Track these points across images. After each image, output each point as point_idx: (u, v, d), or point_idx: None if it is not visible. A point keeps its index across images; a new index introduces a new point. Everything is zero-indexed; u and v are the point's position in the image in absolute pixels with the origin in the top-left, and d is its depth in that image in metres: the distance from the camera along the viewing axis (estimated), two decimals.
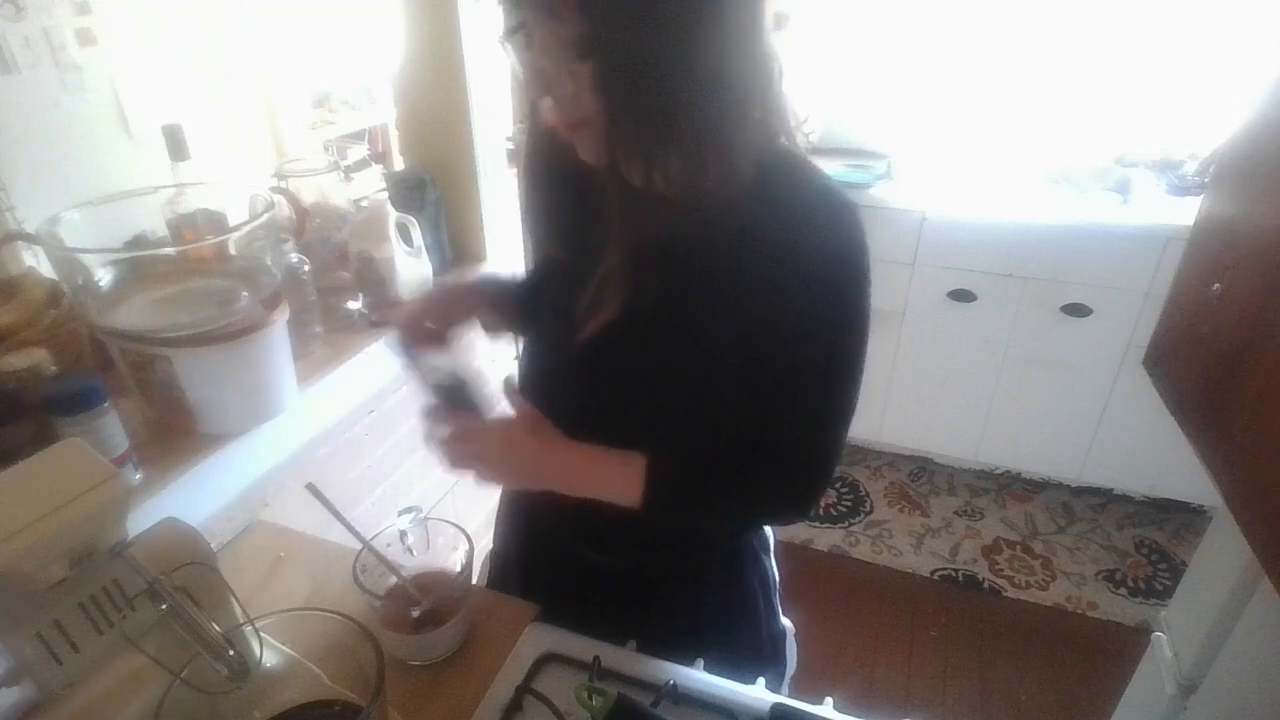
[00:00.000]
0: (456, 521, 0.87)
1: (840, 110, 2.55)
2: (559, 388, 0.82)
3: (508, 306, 0.95)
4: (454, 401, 0.80)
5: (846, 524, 2.41)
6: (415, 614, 0.80)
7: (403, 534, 0.85)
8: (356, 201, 1.57)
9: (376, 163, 2.69)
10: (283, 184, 1.41)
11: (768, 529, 0.97)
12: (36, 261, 1.26)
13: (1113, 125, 2.37)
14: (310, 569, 1.00)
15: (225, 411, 1.09)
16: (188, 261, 1.08)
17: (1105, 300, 2.10)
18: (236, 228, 1.07)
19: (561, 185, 0.78)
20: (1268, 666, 0.83)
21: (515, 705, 0.76)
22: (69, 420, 0.89)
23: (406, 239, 1.50)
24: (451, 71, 1.57)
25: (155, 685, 0.60)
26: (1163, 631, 1.02)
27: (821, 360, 0.71)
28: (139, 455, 1.00)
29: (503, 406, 0.80)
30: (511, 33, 0.62)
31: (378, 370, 1.43)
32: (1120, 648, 1.94)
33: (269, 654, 0.63)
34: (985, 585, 2.18)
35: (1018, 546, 2.31)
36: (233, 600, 0.67)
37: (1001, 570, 2.23)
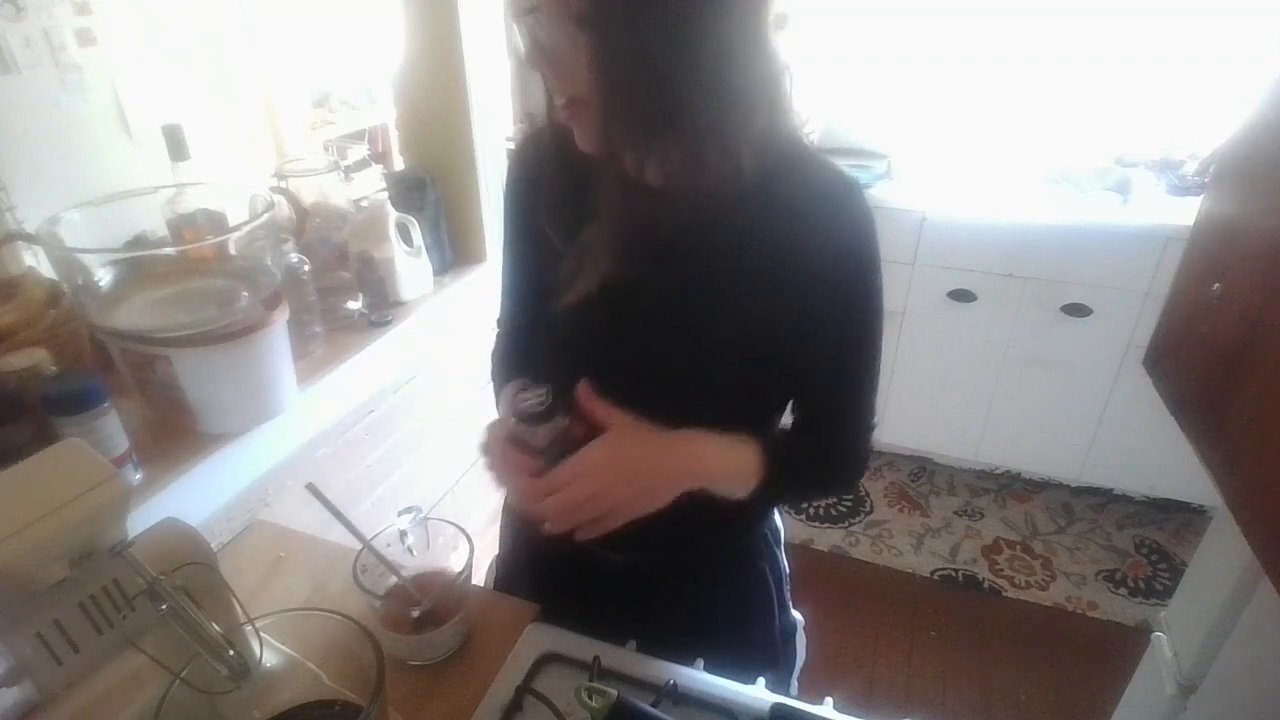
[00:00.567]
0: (456, 521, 0.87)
1: (840, 110, 2.56)
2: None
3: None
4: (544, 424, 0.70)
5: (846, 524, 2.41)
6: (415, 614, 0.80)
7: (403, 534, 0.85)
8: (356, 201, 1.57)
9: (376, 163, 2.69)
10: (283, 184, 1.41)
11: (779, 522, 0.97)
12: (36, 261, 1.26)
13: (1113, 125, 2.37)
14: (310, 569, 1.00)
15: (225, 411, 1.09)
16: (188, 261, 1.07)
17: (1105, 300, 2.10)
18: (236, 228, 1.07)
19: (562, 178, 0.77)
20: (1268, 666, 0.83)
21: (515, 705, 0.76)
22: (69, 420, 0.89)
23: (406, 239, 1.50)
24: (451, 71, 1.57)
25: (155, 685, 0.60)
26: (1163, 631, 1.02)
27: (861, 334, 0.73)
28: (139, 455, 1.00)
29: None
30: (526, 13, 0.61)
31: (378, 370, 1.43)
32: (1120, 648, 1.94)
33: (269, 654, 0.63)
34: (985, 585, 2.18)
35: (1018, 546, 2.31)
36: (233, 600, 0.67)
37: (1001, 570, 2.23)
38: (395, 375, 1.49)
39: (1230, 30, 2.13)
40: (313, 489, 0.81)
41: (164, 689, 0.57)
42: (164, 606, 0.58)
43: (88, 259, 1.00)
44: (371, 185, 1.80)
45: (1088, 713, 1.79)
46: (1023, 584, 2.18)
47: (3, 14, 1.55)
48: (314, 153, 2.74)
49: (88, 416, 0.90)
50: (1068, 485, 2.51)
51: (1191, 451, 0.72)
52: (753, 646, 0.92)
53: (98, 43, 1.74)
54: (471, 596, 0.87)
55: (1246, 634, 0.87)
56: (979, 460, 2.52)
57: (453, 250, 1.70)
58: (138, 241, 1.14)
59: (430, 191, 1.61)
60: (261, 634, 0.62)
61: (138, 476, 1.00)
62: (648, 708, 0.69)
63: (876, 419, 0.80)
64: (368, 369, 1.39)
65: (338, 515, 0.80)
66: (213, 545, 0.76)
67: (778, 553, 0.96)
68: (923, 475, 2.60)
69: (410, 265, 1.51)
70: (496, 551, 1.07)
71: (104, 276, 1.02)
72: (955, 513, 2.44)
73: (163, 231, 1.15)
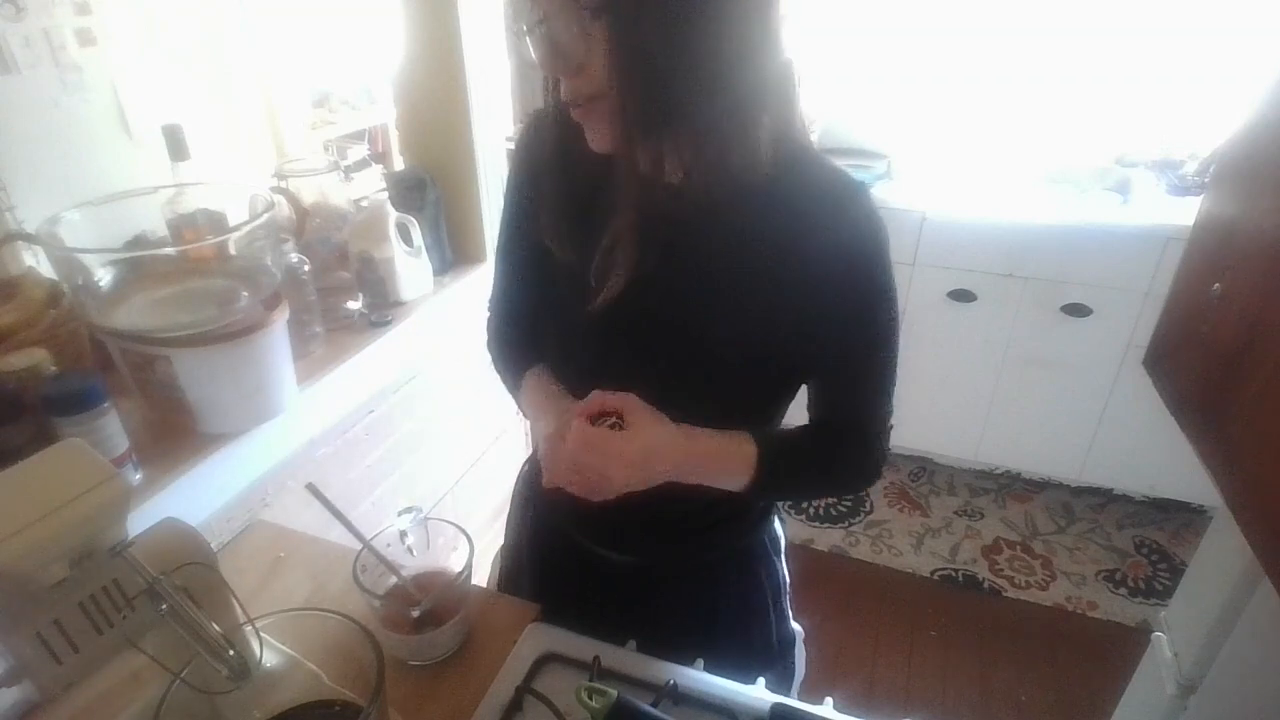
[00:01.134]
0: (456, 521, 0.87)
1: (840, 110, 2.56)
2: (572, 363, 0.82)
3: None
4: None
5: (846, 524, 2.41)
6: (415, 614, 0.80)
7: (403, 534, 0.85)
8: (356, 201, 1.57)
9: (376, 163, 2.69)
10: (283, 184, 1.41)
11: (779, 529, 0.97)
12: (36, 261, 1.26)
13: (1113, 125, 2.37)
14: (310, 569, 1.00)
15: (225, 411, 1.09)
16: (188, 261, 1.07)
17: (1105, 300, 2.10)
18: (236, 228, 1.07)
19: (570, 175, 0.76)
20: (1268, 666, 0.83)
21: (515, 705, 0.76)
22: (69, 420, 0.89)
23: (406, 239, 1.50)
24: (451, 71, 1.57)
25: (155, 685, 0.60)
26: (1163, 631, 1.02)
27: (871, 335, 0.73)
28: (139, 455, 1.00)
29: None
30: (539, 23, 0.61)
31: (378, 370, 1.43)
32: (1120, 648, 1.94)
33: (269, 654, 0.63)
34: (985, 585, 2.18)
35: (1018, 546, 2.31)
36: (233, 600, 0.67)
37: (1001, 570, 2.23)
38: (395, 375, 1.49)
39: (1230, 31, 2.13)
40: (313, 489, 0.81)
41: (164, 689, 0.57)
42: (164, 606, 0.58)
43: (88, 259, 1.00)
44: (371, 185, 1.80)
45: (1088, 713, 1.79)
46: (1023, 584, 2.18)
47: (3, 14, 1.55)
48: (314, 153, 2.74)
49: (88, 416, 0.90)
50: (1068, 485, 2.51)
51: (1191, 451, 0.72)
52: (751, 649, 0.92)
53: (98, 43, 1.74)
54: (471, 596, 0.87)
55: (1246, 634, 0.87)
56: (979, 460, 2.52)
57: (453, 250, 1.70)
58: (138, 241, 1.14)
59: (430, 191, 1.61)
60: (261, 634, 0.62)
61: (138, 476, 1.00)
62: (648, 708, 0.69)
63: (893, 420, 0.79)
64: (368, 369, 1.39)
65: (338, 515, 0.80)
66: (213, 545, 0.76)
67: (777, 561, 0.96)
68: (923, 475, 2.60)
69: (410, 265, 1.51)
70: (501, 542, 1.07)
71: (104, 276, 1.01)
72: (955, 513, 2.44)
73: (163, 231, 1.15)
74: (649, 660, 0.81)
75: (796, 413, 0.82)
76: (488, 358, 0.95)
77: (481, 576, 1.05)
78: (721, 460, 0.74)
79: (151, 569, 0.59)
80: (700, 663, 0.82)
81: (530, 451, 0.99)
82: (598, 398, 0.70)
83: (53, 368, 0.97)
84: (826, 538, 2.35)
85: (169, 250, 1.12)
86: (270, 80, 2.43)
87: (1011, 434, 2.39)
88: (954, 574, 2.22)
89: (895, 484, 2.57)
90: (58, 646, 0.60)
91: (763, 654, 0.94)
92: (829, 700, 0.78)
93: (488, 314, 0.94)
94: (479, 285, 1.69)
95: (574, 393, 0.80)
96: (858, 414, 0.78)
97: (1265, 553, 0.61)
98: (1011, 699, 1.85)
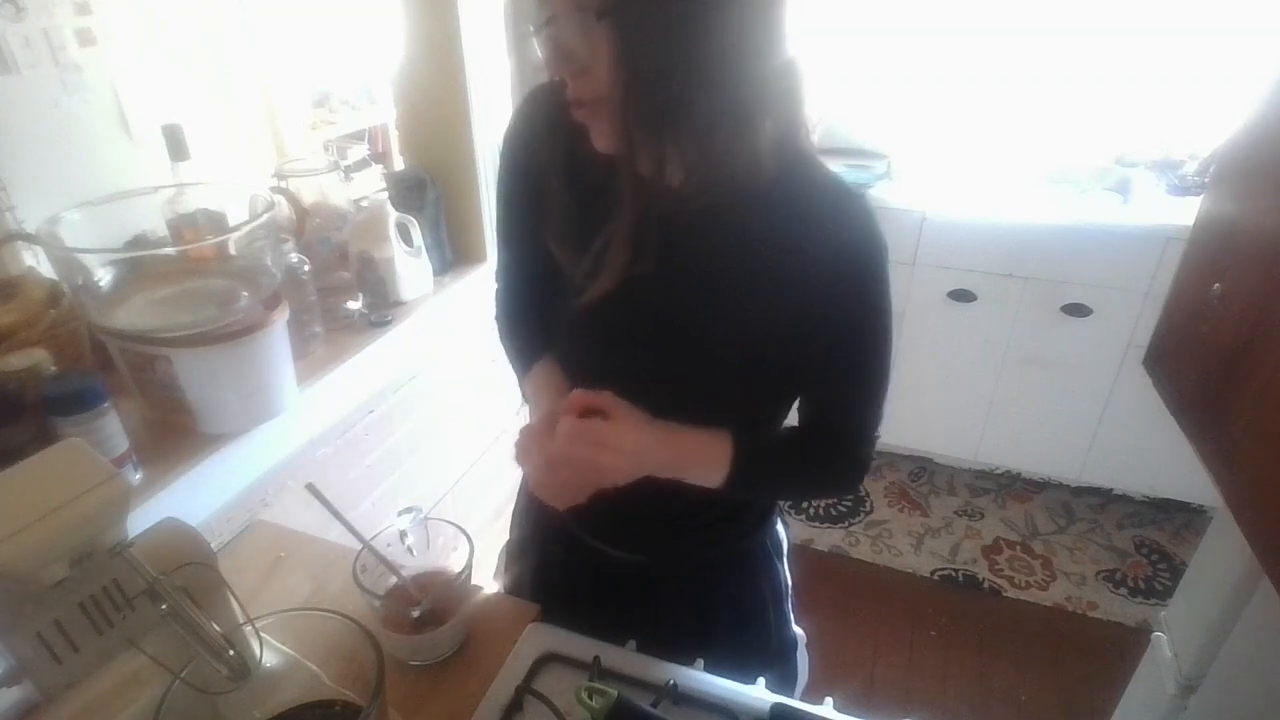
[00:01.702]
0: (456, 521, 0.87)
1: (840, 110, 2.55)
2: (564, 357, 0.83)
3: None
4: None
5: (846, 524, 2.41)
6: (415, 614, 0.80)
7: (403, 534, 0.85)
8: (356, 201, 1.57)
9: (376, 163, 2.69)
10: (283, 184, 1.41)
11: (782, 532, 0.97)
12: (36, 261, 1.26)
13: (1113, 125, 2.37)
14: (310, 569, 1.00)
15: (225, 411, 1.09)
16: (188, 261, 1.08)
17: (1105, 300, 2.10)
18: (236, 228, 1.07)
19: (575, 176, 0.76)
20: (1268, 666, 0.82)
21: (515, 705, 0.76)
22: (69, 420, 0.89)
23: (406, 239, 1.50)
24: (451, 71, 1.57)
25: (155, 685, 0.60)
26: (1163, 631, 1.02)
27: (864, 338, 0.73)
28: (139, 455, 1.00)
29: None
30: (545, 24, 0.61)
31: (378, 370, 1.43)
32: (1120, 648, 1.94)
33: (269, 654, 0.63)
34: (985, 585, 2.18)
35: (1018, 546, 2.31)
36: (233, 600, 0.67)
37: (1001, 570, 2.23)
38: (395, 375, 1.49)
39: (1230, 31, 2.13)
40: (313, 489, 0.81)
41: (164, 689, 0.57)
42: (164, 606, 0.58)
43: (88, 259, 1.00)
44: (371, 185, 1.81)
45: (1088, 713, 1.79)
46: (1023, 584, 2.18)
47: (3, 14, 1.55)
48: (314, 153, 2.74)
49: (88, 416, 0.90)
50: (1068, 485, 2.51)
51: (1191, 451, 0.72)
52: (751, 650, 0.92)
53: (98, 43, 1.74)
54: (471, 596, 0.87)
55: (1246, 634, 0.87)
56: (979, 460, 2.52)
57: (453, 250, 1.70)
58: (138, 241, 1.14)
59: (430, 191, 1.61)
60: (261, 634, 0.62)
61: (138, 476, 1.00)
62: (648, 708, 0.69)
63: (880, 428, 0.79)
64: (368, 369, 1.39)
65: (337, 515, 0.80)
66: (213, 545, 0.76)
67: (779, 565, 0.96)
68: (923, 475, 2.60)
69: (410, 265, 1.51)
70: (506, 538, 1.07)
71: (104, 276, 1.02)
72: (955, 513, 2.44)
73: (163, 231, 1.15)
74: (649, 660, 0.81)
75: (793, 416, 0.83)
76: (489, 352, 0.95)
77: (483, 576, 1.05)
78: (698, 455, 0.74)
79: (151, 569, 0.59)
80: (700, 663, 0.82)
81: None
82: (580, 396, 0.71)
83: (53, 368, 0.97)
84: (826, 538, 2.35)
85: (169, 250, 1.12)
86: (270, 80, 2.43)
87: (1011, 434, 2.39)
88: (954, 574, 2.22)
89: (895, 484, 2.57)
90: (58, 646, 0.60)
91: (762, 655, 0.94)
92: (829, 700, 0.78)
93: (496, 285, 0.94)
94: (479, 285, 1.69)
95: (575, 384, 0.80)
96: (844, 419, 0.78)
97: (1265, 553, 0.61)
98: (1011, 699, 1.85)
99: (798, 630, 1.00)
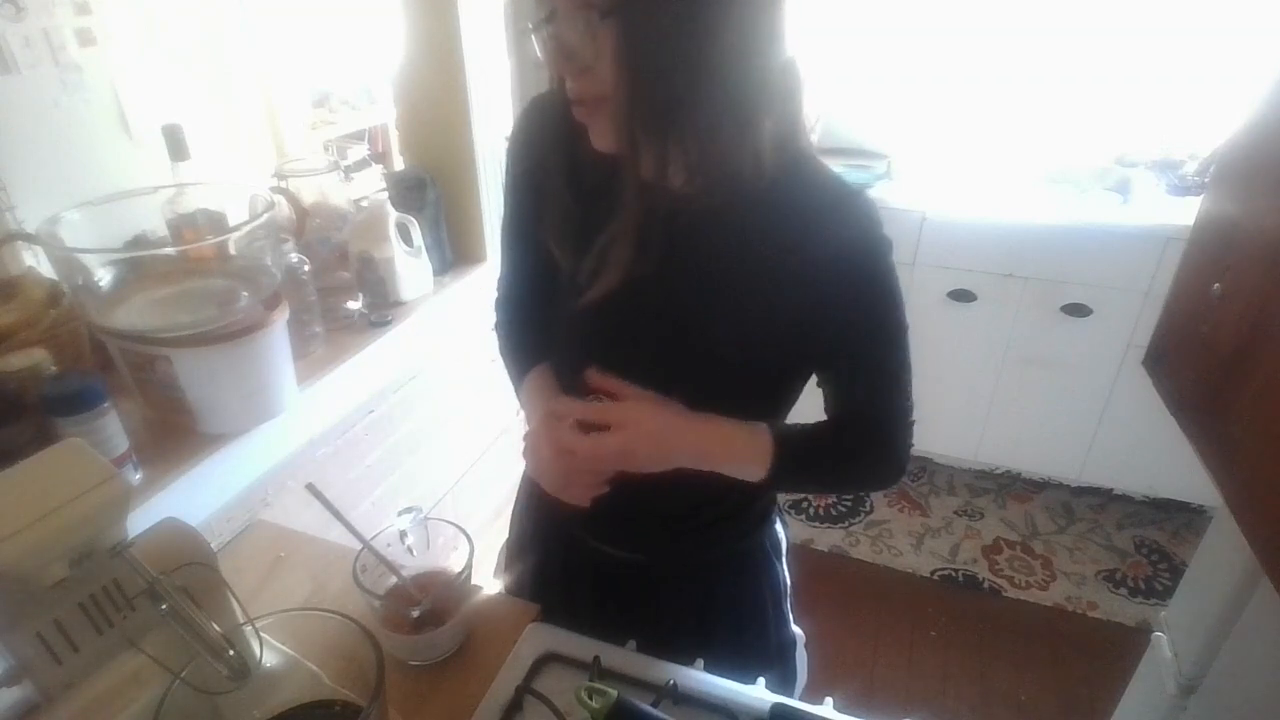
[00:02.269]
0: (456, 521, 0.87)
1: (840, 110, 2.55)
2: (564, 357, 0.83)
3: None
4: None
5: (846, 524, 2.41)
6: (415, 614, 0.80)
7: (403, 534, 0.85)
8: (356, 201, 1.57)
9: (376, 163, 2.69)
10: (283, 184, 1.41)
11: (781, 532, 0.97)
12: (36, 261, 1.26)
13: (1113, 125, 2.37)
14: (310, 569, 1.00)
15: (225, 411, 1.09)
16: (188, 261, 1.08)
17: (1105, 300, 2.10)
18: (236, 228, 1.07)
19: (576, 178, 0.76)
20: (1268, 666, 0.82)
21: (515, 705, 0.76)
22: (69, 420, 0.89)
23: (406, 239, 1.50)
24: (451, 71, 1.57)
25: (155, 685, 0.60)
26: (1163, 631, 1.02)
27: (878, 333, 0.74)
28: (139, 455, 1.00)
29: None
30: (545, 21, 0.61)
31: (378, 370, 1.43)
32: (1120, 648, 1.94)
33: (269, 654, 0.63)
34: (985, 585, 2.18)
35: (1018, 546, 2.31)
36: (233, 600, 0.67)
37: (1001, 570, 2.23)
38: (395, 375, 1.49)
39: (1230, 31, 2.13)
40: (313, 489, 0.81)
41: (164, 689, 0.57)
42: (164, 606, 0.58)
43: (88, 259, 1.00)
44: (371, 185, 1.81)
45: (1088, 713, 1.79)
46: (1023, 584, 2.18)
47: (3, 14, 1.55)
48: (314, 153, 2.74)
49: (88, 416, 0.90)
50: (1068, 485, 2.51)
51: (1191, 451, 0.72)
52: (749, 651, 0.92)
53: (98, 43, 1.74)
54: (471, 596, 0.87)
55: (1246, 634, 0.87)
56: (979, 460, 2.52)
57: (453, 250, 1.70)
58: (138, 241, 1.14)
59: (430, 191, 1.61)
60: (261, 634, 0.62)
61: (138, 476, 1.00)
62: (648, 708, 0.69)
63: (914, 415, 0.80)
64: (368, 369, 1.39)
65: (338, 515, 0.80)
66: (213, 545, 0.76)
67: (778, 565, 0.96)
68: (923, 475, 2.60)
69: (410, 265, 1.51)
70: (505, 536, 1.07)
71: (104, 276, 1.02)
72: (955, 513, 2.44)
73: (163, 231, 1.15)
74: (649, 660, 0.81)
75: (797, 417, 0.82)
76: (489, 352, 0.95)
77: (483, 575, 1.05)
78: (737, 443, 0.74)
79: (151, 569, 0.59)
80: (700, 663, 0.82)
81: None
82: (609, 382, 0.72)
83: (53, 368, 0.97)
84: (826, 538, 2.35)
85: (169, 250, 1.12)
86: (270, 80, 2.44)
87: (1011, 434, 2.39)
88: (954, 574, 2.22)
89: None
90: (58, 646, 0.60)
91: (761, 656, 0.94)
92: (829, 700, 0.78)
93: (496, 293, 0.94)
94: (479, 285, 1.69)
95: (570, 390, 0.80)
96: (876, 411, 0.78)
97: (1265, 553, 0.61)
98: (1011, 699, 1.85)
99: (796, 630, 1.00)
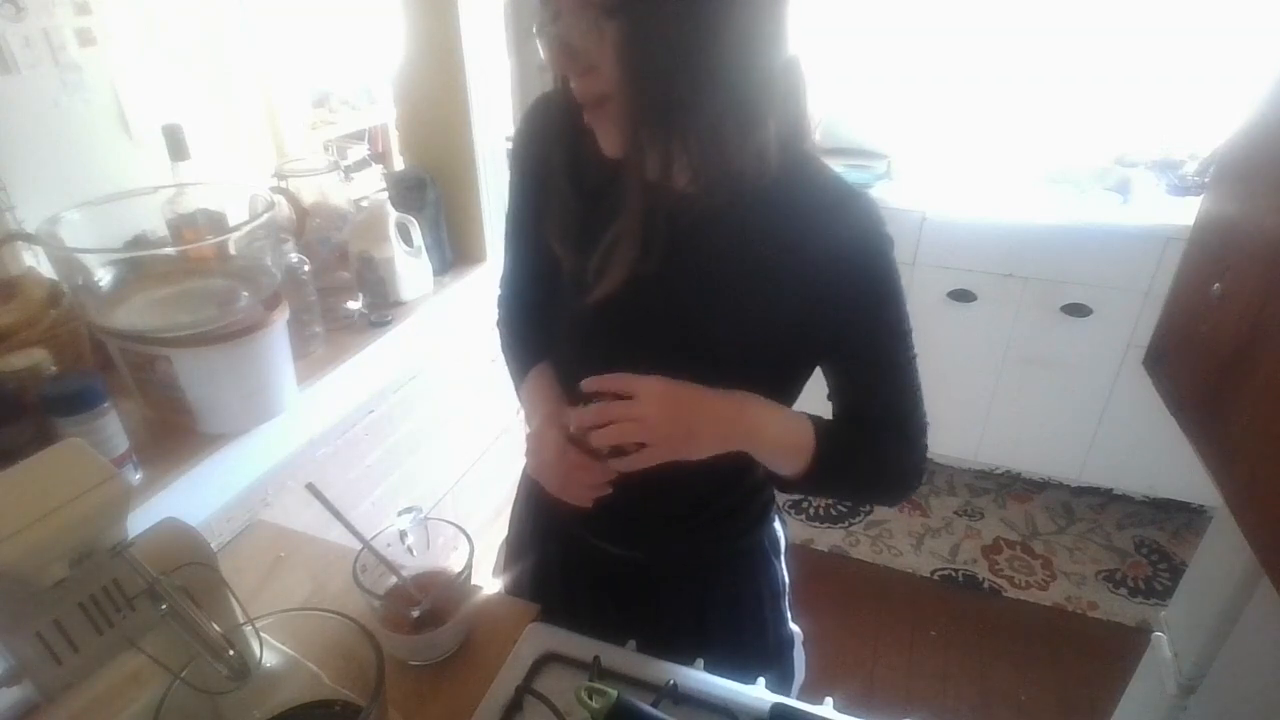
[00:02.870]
0: (456, 521, 0.87)
1: (840, 110, 2.55)
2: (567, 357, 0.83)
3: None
4: None
5: (846, 524, 2.41)
6: (415, 614, 0.80)
7: (403, 534, 0.85)
8: (356, 201, 1.57)
9: (376, 163, 2.69)
10: (283, 184, 1.41)
11: (780, 531, 0.97)
12: (36, 261, 1.26)
13: (1113, 125, 2.37)
14: (310, 569, 1.00)
15: (225, 411, 1.09)
16: (188, 261, 1.07)
17: (1105, 300, 2.10)
18: (236, 228, 1.07)
19: (580, 178, 0.76)
20: (1268, 666, 0.82)
21: (515, 705, 0.76)
22: (69, 420, 0.89)
23: (406, 239, 1.50)
24: (451, 71, 1.57)
25: (155, 685, 0.60)
26: (1163, 631, 1.02)
27: (894, 333, 0.74)
28: (139, 455, 1.00)
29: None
30: (550, 21, 0.61)
31: (378, 370, 1.43)
32: (1120, 648, 1.94)
33: (269, 654, 0.63)
34: (985, 585, 2.18)
35: (1018, 546, 2.31)
36: (233, 600, 0.67)
37: (1001, 570, 2.23)
38: (395, 375, 1.49)
39: (1230, 31, 2.13)
40: (313, 489, 0.81)
41: (164, 689, 0.57)
42: (164, 606, 0.58)
43: (88, 259, 1.00)
44: (371, 185, 1.81)
45: (1088, 713, 1.79)
46: (1023, 584, 2.18)
47: (3, 14, 1.55)
48: (314, 153, 2.74)
49: (88, 416, 0.90)
50: (1068, 485, 2.51)
51: (1191, 451, 0.72)
52: (748, 650, 0.92)
53: (98, 43, 1.74)
54: (471, 596, 0.87)
55: (1246, 634, 0.87)
56: (979, 460, 2.52)
57: (453, 250, 1.70)
58: (138, 241, 1.14)
59: (430, 191, 1.61)
60: (261, 634, 0.62)
61: (138, 476, 1.00)
62: (648, 708, 0.69)
63: (927, 418, 0.79)
64: (368, 369, 1.39)
65: (338, 515, 0.80)
66: (213, 545, 0.76)
67: (777, 563, 0.96)
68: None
69: (410, 265, 1.51)
70: (505, 534, 1.07)
71: (104, 276, 1.02)
72: (955, 513, 2.44)
73: (163, 231, 1.15)
74: (649, 660, 0.81)
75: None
76: (489, 352, 0.95)
77: (483, 575, 1.05)
78: (776, 425, 0.73)
79: (151, 569, 0.59)
80: (700, 663, 0.82)
81: None
82: (609, 381, 0.71)
83: (53, 368, 0.97)
84: (826, 538, 2.35)
85: (169, 250, 1.12)
86: (270, 80, 2.44)
87: (1011, 434, 2.39)
88: (954, 574, 2.22)
89: None
90: (58, 646, 0.60)
91: (759, 653, 0.94)
92: (829, 700, 0.78)
93: (499, 290, 0.94)
94: (479, 285, 1.69)
95: (571, 388, 0.80)
96: (894, 414, 0.77)
97: (1265, 553, 0.61)
98: (1011, 699, 1.85)
99: (794, 628, 1.00)
